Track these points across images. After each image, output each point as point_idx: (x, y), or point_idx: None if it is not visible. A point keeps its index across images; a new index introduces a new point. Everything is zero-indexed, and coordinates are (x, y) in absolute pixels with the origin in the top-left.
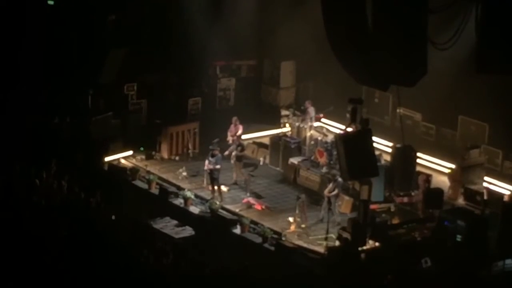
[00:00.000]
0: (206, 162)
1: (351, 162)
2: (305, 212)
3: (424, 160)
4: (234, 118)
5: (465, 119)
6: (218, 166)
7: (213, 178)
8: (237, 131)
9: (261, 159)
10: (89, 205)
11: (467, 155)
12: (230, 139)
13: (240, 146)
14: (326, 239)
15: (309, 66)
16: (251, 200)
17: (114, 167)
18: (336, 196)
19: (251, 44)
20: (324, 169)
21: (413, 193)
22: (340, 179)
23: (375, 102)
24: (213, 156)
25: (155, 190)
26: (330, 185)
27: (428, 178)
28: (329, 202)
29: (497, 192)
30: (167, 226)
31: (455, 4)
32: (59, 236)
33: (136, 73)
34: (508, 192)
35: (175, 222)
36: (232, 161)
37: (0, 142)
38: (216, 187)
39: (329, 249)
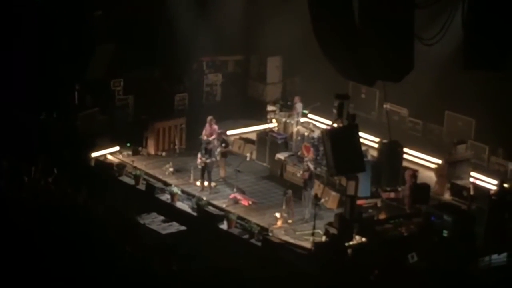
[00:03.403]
0: (199, 155)
1: (338, 157)
2: (292, 208)
3: (411, 155)
4: (209, 118)
5: (452, 114)
6: (214, 159)
7: (207, 171)
8: (212, 132)
9: (248, 154)
10: (76, 201)
11: (454, 151)
12: (204, 137)
13: (224, 142)
14: (313, 234)
15: (295, 61)
16: (238, 195)
17: (101, 162)
18: (310, 179)
19: (238, 40)
20: (311, 164)
21: (399, 189)
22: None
23: (362, 97)
24: (206, 151)
25: (141, 185)
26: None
27: (414, 173)
28: (306, 189)
29: (484, 187)
30: (154, 221)
31: (442, 0)
32: (46, 232)
33: (123, 69)
34: (494, 187)
35: (161, 217)
36: (217, 158)
37: None
38: (207, 182)
39: (316, 244)
